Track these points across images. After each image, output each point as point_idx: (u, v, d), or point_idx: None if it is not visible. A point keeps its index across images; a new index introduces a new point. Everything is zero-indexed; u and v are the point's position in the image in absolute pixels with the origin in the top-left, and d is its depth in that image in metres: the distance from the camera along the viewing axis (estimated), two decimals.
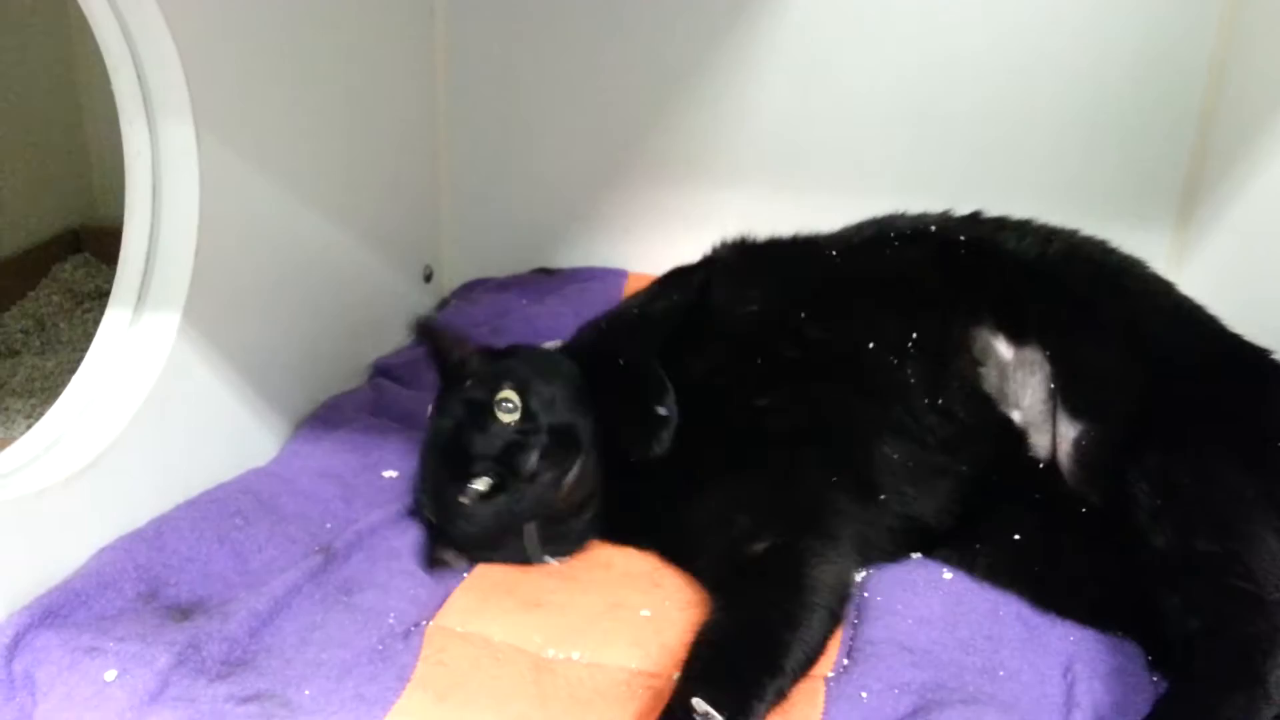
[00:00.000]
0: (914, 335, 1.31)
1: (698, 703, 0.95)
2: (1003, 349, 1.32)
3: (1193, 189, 1.87)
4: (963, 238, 1.41)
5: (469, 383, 1.31)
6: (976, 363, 1.32)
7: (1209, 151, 1.83)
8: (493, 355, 1.39)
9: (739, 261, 1.48)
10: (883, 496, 1.27)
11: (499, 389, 1.26)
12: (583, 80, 2.07)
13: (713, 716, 0.95)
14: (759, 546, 1.20)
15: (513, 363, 1.34)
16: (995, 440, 1.30)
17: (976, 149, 1.95)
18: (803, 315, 1.34)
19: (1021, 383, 1.31)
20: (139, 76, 1.28)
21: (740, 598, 1.16)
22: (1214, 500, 1.13)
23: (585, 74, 2.06)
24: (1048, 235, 1.42)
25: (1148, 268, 1.42)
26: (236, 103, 1.38)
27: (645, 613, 1.22)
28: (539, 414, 1.25)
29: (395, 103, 1.91)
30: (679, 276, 1.50)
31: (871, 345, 1.31)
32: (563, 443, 1.25)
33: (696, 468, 1.28)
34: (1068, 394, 1.29)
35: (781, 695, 1.05)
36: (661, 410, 1.26)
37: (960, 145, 1.96)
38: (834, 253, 1.44)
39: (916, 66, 1.94)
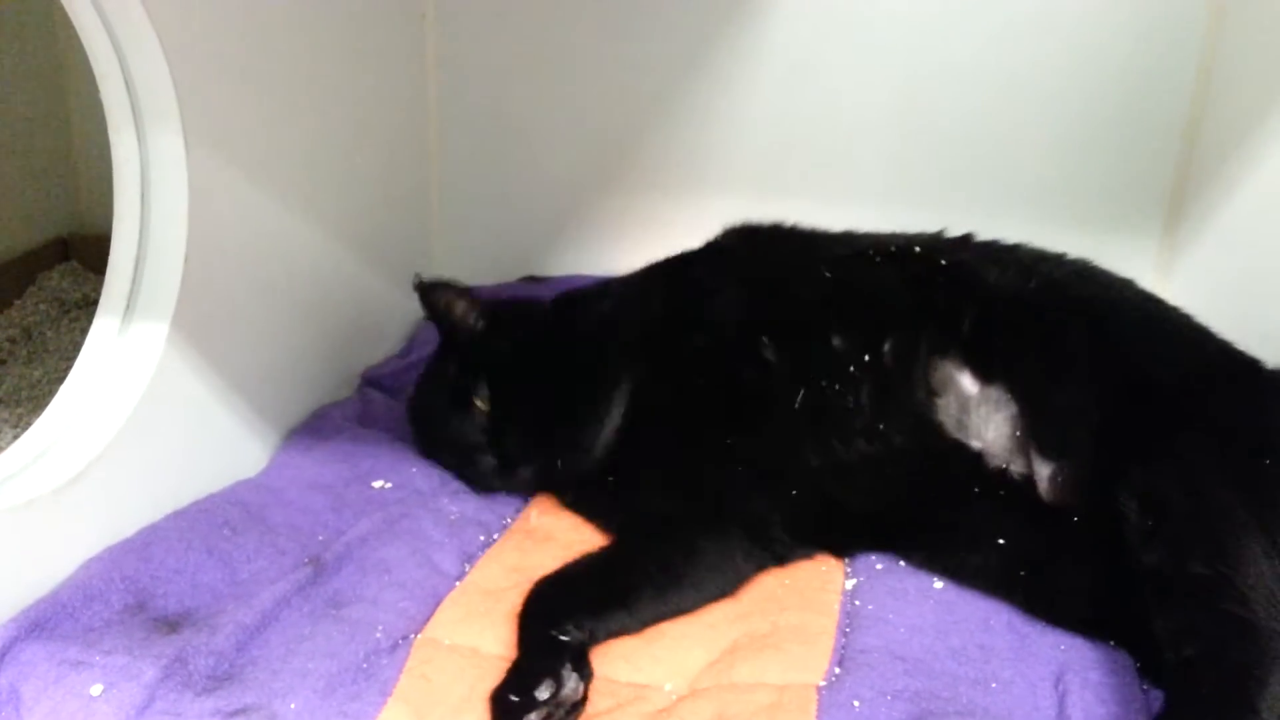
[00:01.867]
0: (866, 358, 1.34)
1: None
2: (967, 383, 1.32)
3: (1179, 197, 1.87)
4: (944, 262, 1.40)
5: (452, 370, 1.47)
6: (933, 393, 1.33)
7: (1195, 160, 1.83)
8: (495, 313, 1.51)
9: (734, 261, 1.52)
10: (794, 492, 1.34)
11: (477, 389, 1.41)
12: (573, 89, 2.07)
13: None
14: (656, 515, 1.33)
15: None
16: (939, 461, 1.32)
17: (964, 157, 1.95)
18: (764, 338, 1.38)
19: (984, 418, 1.32)
20: (127, 85, 1.28)
21: (627, 544, 1.32)
22: (1205, 520, 1.12)
23: (576, 83, 2.06)
24: (1032, 264, 1.41)
25: (1134, 287, 1.42)
26: (225, 111, 1.37)
27: None
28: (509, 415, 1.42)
29: (386, 111, 1.90)
30: (675, 272, 1.55)
31: (824, 364, 1.35)
32: (525, 443, 1.41)
33: (641, 455, 1.40)
34: (1037, 435, 1.29)
35: (616, 634, 1.18)
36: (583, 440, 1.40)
37: (948, 154, 1.96)
38: (822, 264, 1.44)
39: (905, 75, 1.94)
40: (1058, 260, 1.43)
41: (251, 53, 1.43)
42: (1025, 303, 1.36)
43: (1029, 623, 1.21)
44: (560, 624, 1.14)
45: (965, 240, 1.46)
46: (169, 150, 1.30)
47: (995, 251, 1.43)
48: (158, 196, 1.31)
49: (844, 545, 1.36)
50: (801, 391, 1.34)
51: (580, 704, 1.08)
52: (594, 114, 2.08)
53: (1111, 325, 1.35)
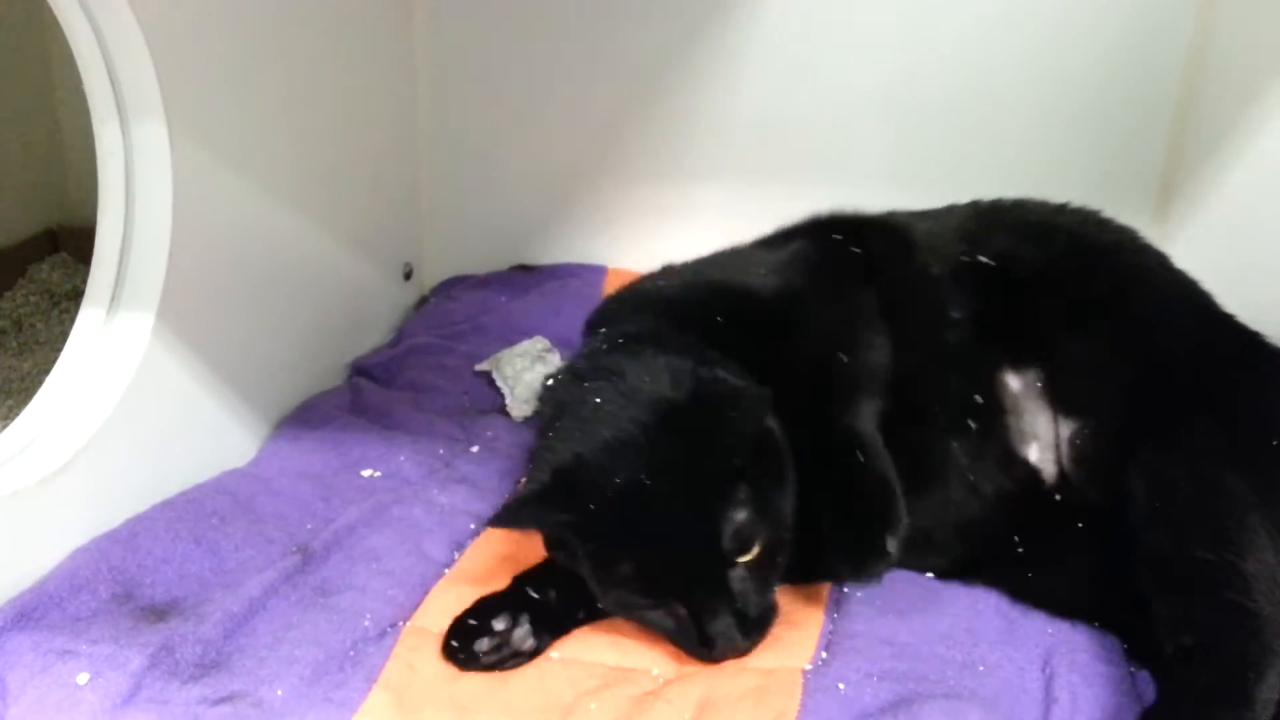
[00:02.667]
0: (968, 401, 1.27)
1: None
2: (1013, 383, 1.29)
3: (1170, 179, 1.87)
4: (981, 259, 1.33)
5: None
6: (1005, 411, 1.28)
7: (1186, 141, 1.83)
8: None
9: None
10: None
11: None
12: (562, 77, 2.06)
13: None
14: None
15: None
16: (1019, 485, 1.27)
17: (955, 140, 1.95)
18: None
19: (1033, 413, 1.28)
20: (111, 77, 1.27)
21: None
22: (1211, 504, 1.11)
23: (565, 71, 2.06)
24: (1047, 231, 1.38)
25: (1139, 239, 1.40)
26: (210, 102, 1.37)
27: None
28: None
29: (375, 100, 1.90)
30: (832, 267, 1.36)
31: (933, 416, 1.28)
32: None
33: None
34: (1058, 392, 1.27)
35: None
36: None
37: (939, 137, 1.96)
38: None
39: (894, 59, 1.94)
40: (1058, 209, 1.41)
41: (236, 43, 1.43)
42: (1048, 272, 1.31)
43: (1017, 607, 1.21)
44: (538, 585, 1.15)
45: (998, 215, 1.41)
46: (153, 142, 1.29)
47: (1012, 217, 1.40)
48: (142, 188, 1.31)
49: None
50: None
51: (528, 656, 1.11)
52: (584, 102, 2.08)
53: (1126, 277, 1.33)
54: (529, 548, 1.31)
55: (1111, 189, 1.90)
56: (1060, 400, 1.27)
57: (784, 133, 2.02)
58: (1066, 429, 1.26)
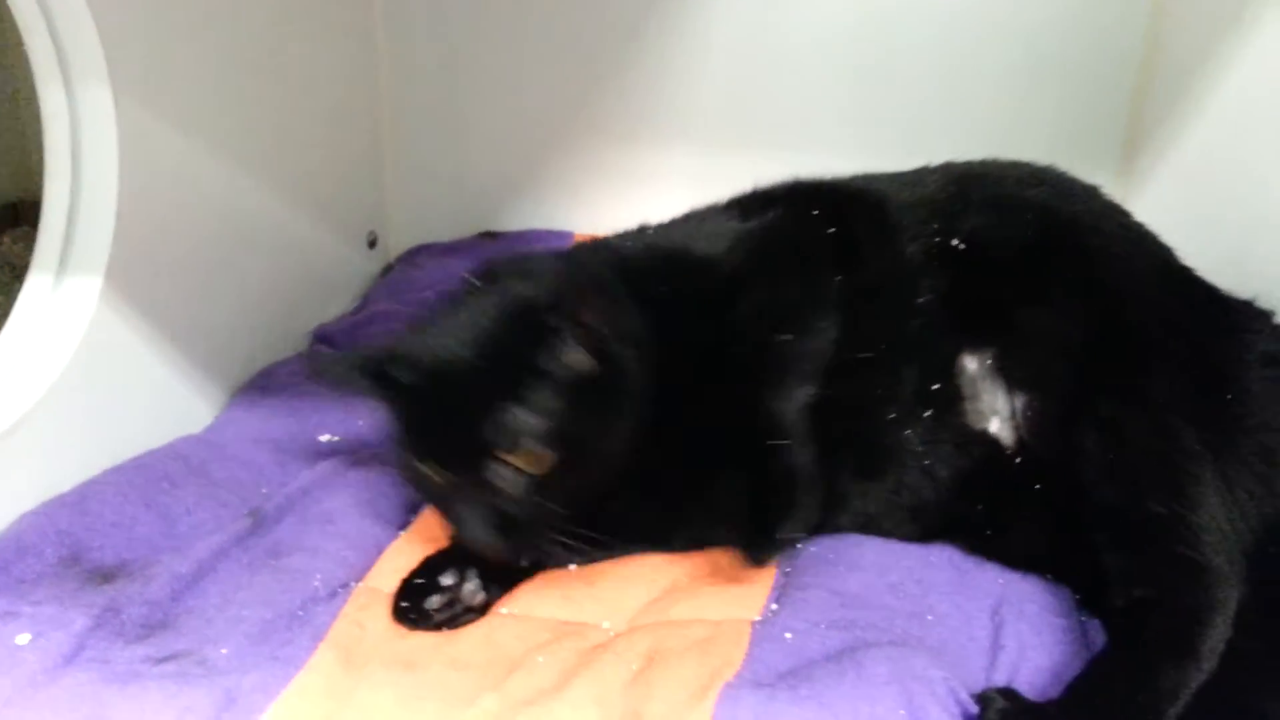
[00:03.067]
0: (924, 389, 1.26)
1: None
2: (970, 364, 1.27)
3: (1135, 134, 1.87)
4: (955, 243, 1.30)
5: None
6: (962, 397, 1.26)
7: (1150, 96, 1.83)
8: None
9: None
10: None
11: None
12: (526, 40, 2.05)
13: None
14: None
15: None
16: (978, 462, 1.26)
17: (920, 100, 1.95)
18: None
19: (990, 392, 1.26)
20: (53, 38, 1.26)
21: None
22: (1163, 457, 1.11)
23: (528, 33, 2.04)
24: (1017, 207, 1.33)
25: (1101, 200, 1.38)
26: (157, 63, 1.36)
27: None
28: None
29: (333, 63, 1.88)
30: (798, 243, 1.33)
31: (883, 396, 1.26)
32: None
33: None
34: (1009, 368, 1.25)
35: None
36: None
37: (904, 97, 1.95)
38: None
39: (858, 20, 1.93)
40: (1031, 178, 1.38)
41: (184, 3, 1.41)
42: (1017, 258, 1.27)
43: (970, 559, 1.21)
44: None
45: (969, 186, 1.37)
46: (98, 104, 1.28)
47: (999, 202, 1.34)
48: (88, 151, 1.30)
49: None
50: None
51: (478, 612, 1.12)
52: (549, 66, 2.06)
53: (1089, 258, 1.29)
54: None
55: (1078, 144, 1.90)
56: (1012, 375, 1.25)
57: (751, 94, 2.01)
58: (1019, 400, 1.25)
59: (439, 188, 2.13)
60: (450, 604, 1.11)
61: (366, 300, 1.90)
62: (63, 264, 1.30)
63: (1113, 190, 1.82)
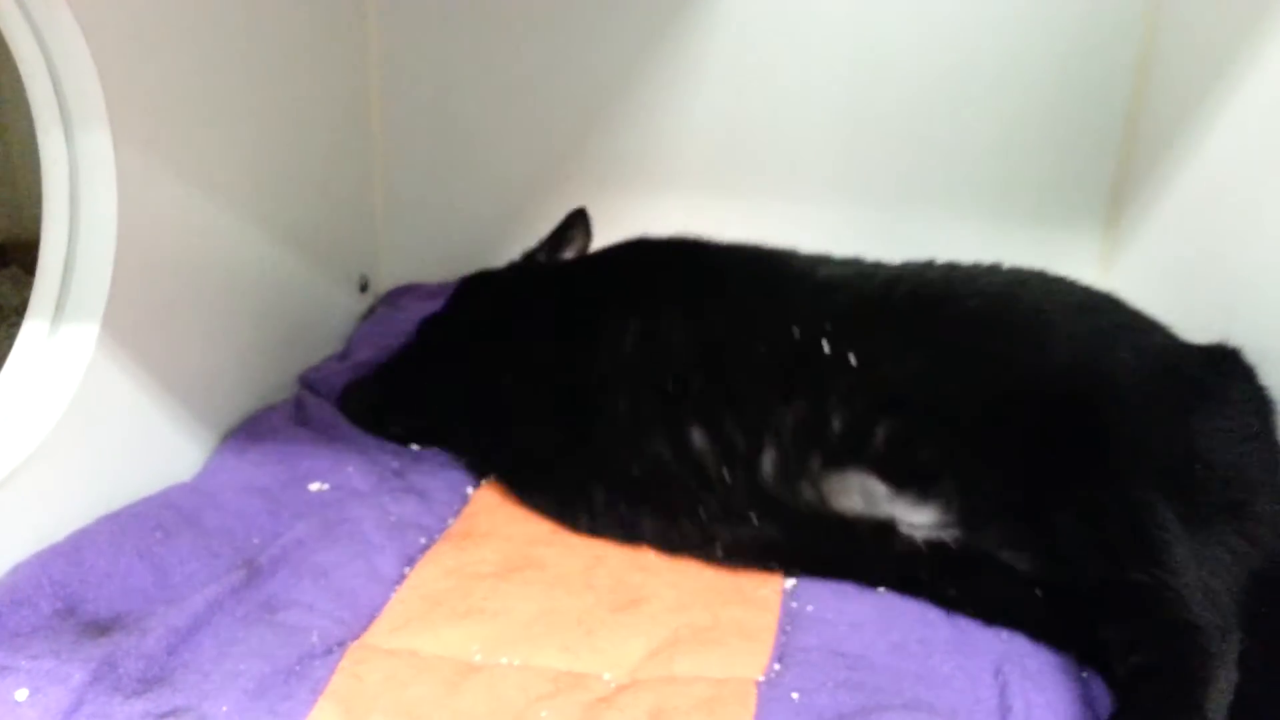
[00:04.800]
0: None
1: None
2: (879, 489, 1.29)
3: (1121, 189, 1.89)
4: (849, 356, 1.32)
5: None
6: (824, 497, 1.31)
7: (1136, 152, 1.85)
8: None
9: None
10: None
11: None
12: (520, 84, 2.06)
13: None
14: None
15: None
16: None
17: (909, 149, 1.96)
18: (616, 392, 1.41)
19: (900, 510, 1.28)
20: (54, 83, 1.25)
21: None
22: (1138, 528, 1.13)
23: (522, 78, 2.05)
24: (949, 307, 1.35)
25: (1073, 289, 1.40)
26: (156, 110, 1.35)
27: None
28: None
29: (328, 108, 1.88)
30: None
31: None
32: None
33: None
34: (967, 524, 1.25)
35: None
36: None
37: (893, 146, 1.96)
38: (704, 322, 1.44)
39: (849, 69, 1.94)
40: (980, 287, 1.38)
41: (183, 47, 1.41)
42: (941, 384, 1.28)
43: (967, 617, 1.22)
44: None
45: (890, 292, 1.39)
46: (97, 150, 1.27)
47: (913, 307, 1.36)
48: (87, 197, 1.29)
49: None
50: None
51: None
52: (540, 111, 2.07)
53: (1046, 358, 1.29)
54: (478, 555, 1.31)
55: (1064, 199, 1.92)
56: (968, 527, 1.25)
57: (742, 143, 2.02)
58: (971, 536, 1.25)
59: (432, 231, 2.13)
60: None
61: (350, 344, 1.89)
62: (59, 309, 1.28)
63: (1098, 244, 1.87)
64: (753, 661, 1.14)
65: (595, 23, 2.00)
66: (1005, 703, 1.07)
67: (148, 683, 1.05)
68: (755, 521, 1.31)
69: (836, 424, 1.30)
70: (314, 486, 1.44)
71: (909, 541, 1.26)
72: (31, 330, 1.28)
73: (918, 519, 1.27)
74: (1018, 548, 1.21)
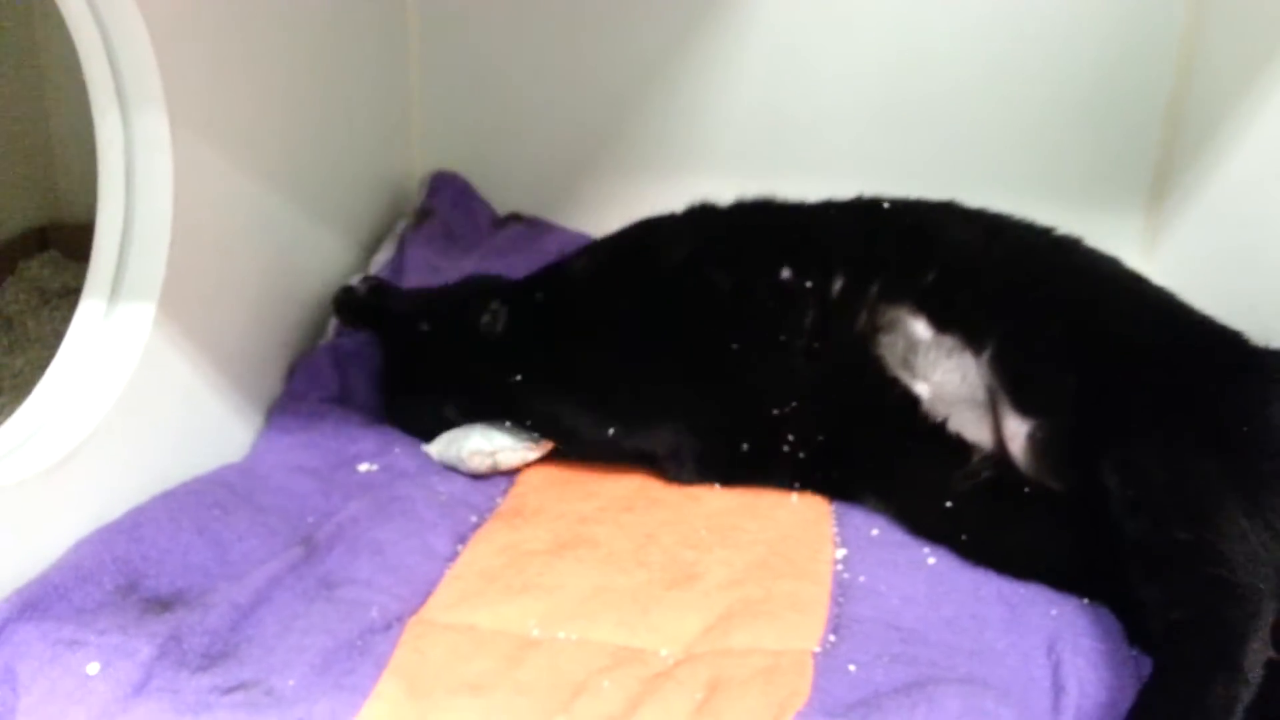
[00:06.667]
0: (809, 284, 1.42)
1: None
2: (920, 329, 1.37)
3: (1163, 175, 1.89)
4: (909, 221, 1.47)
5: None
6: (878, 329, 1.39)
7: (1178, 138, 1.85)
8: None
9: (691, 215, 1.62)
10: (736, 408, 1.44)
11: None
12: (557, 71, 2.07)
13: None
14: None
15: None
16: (877, 395, 1.39)
17: (949, 136, 1.96)
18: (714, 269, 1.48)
19: (933, 362, 1.37)
20: (112, 66, 1.26)
21: None
22: (1187, 489, 1.15)
23: (559, 65, 2.07)
24: (1007, 230, 1.45)
25: (1119, 264, 1.44)
26: (210, 92, 1.36)
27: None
28: None
29: (370, 91, 1.90)
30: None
31: (770, 291, 1.44)
32: None
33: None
34: (1014, 391, 1.32)
35: None
36: None
37: (933, 133, 1.97)
38: (778, 214, 1.55)
39: (889, 55, 1.95)
40: (1039, 231, 1.46)
41: (237, 32, 1.43)
42: (996, 262, 1.41)
43: (1019, 590, 1.23)
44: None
45: (947, 205, 1.49)
46: (154, 132, 1.28)
47: (970, 214, 1.48)
48: (142, 178, 1.30)
49: (793, 477, 1.43)
50: (746, 314, 1.43)
51: None
52: (579, 97, 2.08)
53: (1092, 294, 1.38)
54: (530, 533, 1.32)
55: (1106, 184, 1.92)
56: (1015, 398, 1.32)
57: (779, 126, 2.03)
58: (1024, 426, 1.31)
59: None
60: None
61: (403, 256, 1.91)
62: (116, 291, 1.30)
63: (1140, 231, 1.86)
64: (808, 633, 1.15)
65: (632, 11, 2.02)
66: (1059, 682, 1.08)
67: (213, 658, 1.06)
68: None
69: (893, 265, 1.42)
70: (363, 467, 1.46)
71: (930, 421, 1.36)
72: (88, 311, 1.29)
73: (949, 378, 1.35)
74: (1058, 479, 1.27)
